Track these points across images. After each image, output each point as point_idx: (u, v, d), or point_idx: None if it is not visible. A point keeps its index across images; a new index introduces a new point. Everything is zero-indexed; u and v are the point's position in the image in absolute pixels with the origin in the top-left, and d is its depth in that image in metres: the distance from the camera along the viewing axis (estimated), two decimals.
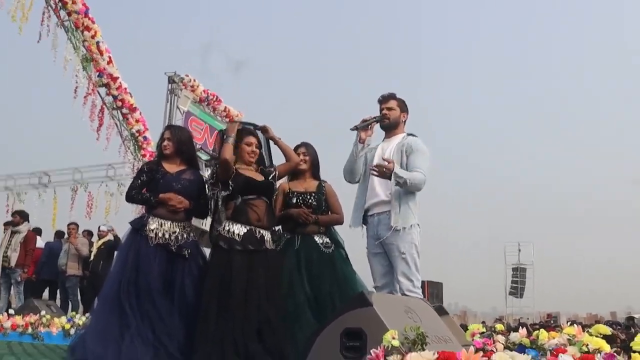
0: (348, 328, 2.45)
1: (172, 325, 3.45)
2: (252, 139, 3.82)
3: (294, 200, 4.07)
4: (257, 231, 3.64)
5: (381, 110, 4.10)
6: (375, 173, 3.83)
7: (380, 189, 3.97)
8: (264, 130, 3.94)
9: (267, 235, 3.69)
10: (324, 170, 4.29)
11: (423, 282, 4.39)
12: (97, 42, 8.45)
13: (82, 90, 8.50)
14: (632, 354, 2.31)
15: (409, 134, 4.10)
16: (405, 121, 4.17)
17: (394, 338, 2.25)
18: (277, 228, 3.94)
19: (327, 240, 4.07)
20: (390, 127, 4.09)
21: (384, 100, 4.13)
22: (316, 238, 4.04)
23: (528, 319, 21.94)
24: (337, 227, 4.23)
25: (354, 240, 4.16)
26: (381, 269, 3.93)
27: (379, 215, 3.94)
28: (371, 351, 2.27)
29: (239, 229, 3.60)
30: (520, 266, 25.66)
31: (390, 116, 4.08)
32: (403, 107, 4.16)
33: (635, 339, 2.50)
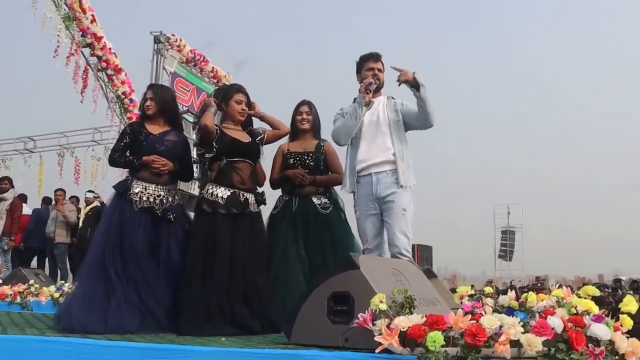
0: (335, 292, 2.39)
1: (158, 289, 3.41)
2: (242, 97, 3.72)
3: (291, 161, 4.03)
4: (240, 194, 3.58)
5: (371, 69, 3.95)
6: (402, 78, 3.73)
7: (376, 150, 3.87)
8: (251, 107, 3.84)
9: (251, 198, 3.63)
10: None
11: (413, 245, 4.35)
12: (80, 0, 8.20)
13: (64, 50, 8.29)
14: (620, 315, 2.27)
15: (388, 96, 4.02)
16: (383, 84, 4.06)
17: (381, 302, 2.19)
18: (261, 190, 3.86)
19: (326, 201, 4.02)
20: (378, 89, 3.97)
21: (376, 59, 3.99)
22: (314, 199, 3.99)
23: (519, 281, 22.19)
24: (337, 188, 4.16)
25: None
26: (374, 231, 3.85)
27: (377, 174, 3.83)
28: (359, 315, 2.22)
29: (222, 192, 3.53)
30: (510, 229, 25.92)
31: (380, 78, 3.97)
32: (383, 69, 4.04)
33: (624, 300, 2.47)
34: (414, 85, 3.73)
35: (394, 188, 3.78)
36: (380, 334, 2.11)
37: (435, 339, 2.02)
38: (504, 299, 3.71)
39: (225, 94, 3.75)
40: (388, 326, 2.11)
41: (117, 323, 3.14)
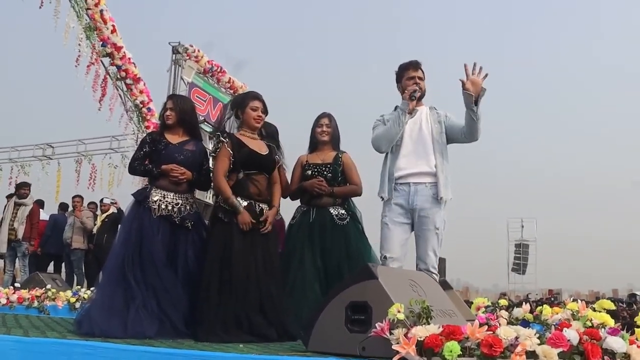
0: (353, 301, 2.42)
1: (176, 297, 3.46)
2: (258, 104, 3.72)
3: (309, 172, 4.06)
4: (256, 205, 3.62)
5: (411, 78, 3.91)
6: (470, 88, 3.60)
7: (419, 159, 3.85)
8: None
9: (266, 209, 3.66)
10: None
11: None
12: (101, 10, 8.34)
13: (85, 59, 8.42)
14: (636, 329, 2.29)
15: (430, 107, 3.98)
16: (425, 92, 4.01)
17: (399, 311, 2.22)
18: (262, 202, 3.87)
19: (343, 212, 4.04)
20: (420, 98, 3.92)
21: (416, 67, 3.95)
22: (331, 210, 4.02)
23: (536, 295, 22.00)
24: (355, 199, 4.20)
25: (374, 212, 4.09)
26: (401, 240, 3.81)
27: (417, 185, 3.81)
28: (376, 324, 2.25)
29: (239, 203, 3.57)
30: (523, 242, 25.68)
31: (422, 87, 3.92)
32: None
33: None
34: (476, 99, 3.64)
35: (431, 203, 3.76)
36: (397, 343, 2.14)
37: (452, 348, 2.04)
38: (518, 312, 3.72)
39: (242, 101, 3.77)
40: (405, 335, 2.14)
41: (136, 329, 3.19)
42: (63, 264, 9.80)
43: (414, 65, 3.95)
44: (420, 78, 3.93)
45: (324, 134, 4.14)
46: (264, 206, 3.65)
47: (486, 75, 3.65)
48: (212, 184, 3.77)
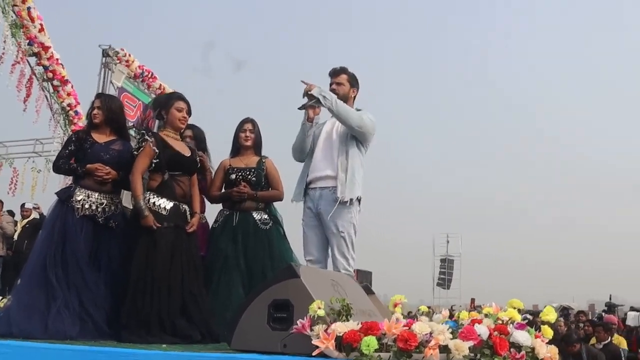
0: (275, 299, 2.46)
1: (99, 296, 3.41)
2: (183, 104, 3.73)
3: (233, 176, 4.06)
4: (181, 206, 3.63)
5: (330, 85, 4.07)
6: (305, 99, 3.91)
7: (325, 163, 3.98)
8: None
9: (188, 210, 3.68)
10: None
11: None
12: (28, 8, 8.04)
13: (10, 57, 8.11)
14: (542, 326, 2.43)
15: (357, 109, 4.08)
16: (355, 97, 4.16)
17: (319, 308, 2.28)
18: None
19: (265, 216, 4.08)
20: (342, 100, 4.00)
21: (334, 74, 4.11)
22: (254, 214, 4.05)
23: (460, 306, 22.56)
24: (277, 204, 4.25)
25: (294, 216, 4.18)
26: (316, 242, 3.95)
27: (322, 189, 3.95)
28: (297, 321, 2.31)
29: (165, 203, 3.55)
30: (449, 257, 26.37)
31: (339, 92, 4.03)
32: (353, 82, 4.15)
33: (544, 310, 2.65)
34: (315, 98, 3.88)
35: (332, 206, 3.85)
36: (317, 338, 2.20)
37: (369, 343, 2.13)
38: (437, 317, 3.85)
39: (166, 101, 3.76)
40: (325, 331, 2.21)
41: (57, 328, 3.12)
42: None
43: (332, 73, 4.13)
44: (338, 84, 4.08)
45: (248, 139, 4.17)
46: (187, 207, 3.67)
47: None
48: None
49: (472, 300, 22.42)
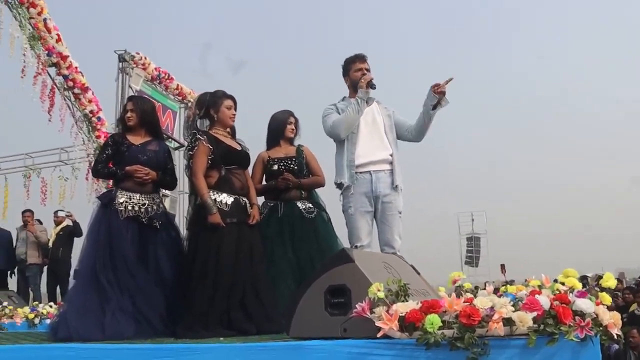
0: (332, 285, 2.47)
1: (151, 296, 3.46)
2: (231, 102, 3.78)
3: (276, 167, 4.08)
4: (241, 199, 3.67)
5: (360, 69, 4.05)
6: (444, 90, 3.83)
7: (375, 147, 3.99)
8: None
9: (248, 202, 3.72)
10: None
11: None
12: (45, 19, 8.12)
13: (31, 69, 8.20)
14: (600, 293, 2.42)
15: (377, 101, 4.11)
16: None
17: (379, 290, 2.29)
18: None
19: (310, 205, 4.10)
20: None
21: (362, 60, 4.09)
22: (299, 204, 4.07)
23: (492, 282, 22.46)
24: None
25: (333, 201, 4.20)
26: (367, 228, 3.94)
27: (377, 172, 3.95)
28: (357, 305, 2.32)
29: (225, 199, 3.58)
30: (474, 235, 26.24)
31: (371, 76, 4.04)
32: None
33: (604, 276, 2.63)
34: (438, 104, 3.88)
35: (391, 189, 3.92)
36: (380, 320, 2.21)
37: (432, 321, 2.13)
38: (483, 293, 3.84)
39: (213, 100, 3.78)
40: (387, 312, 2.21)
41: (114, 330, 3.18)
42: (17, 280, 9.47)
43: (361, 57, 4.10)
44: (367, 70, 4.07)
45: (293, 131, 4.22)
46: (247, 201, 3.71)
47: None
48: (189, 183, 3.77)
49: (502, 265, 22.33)
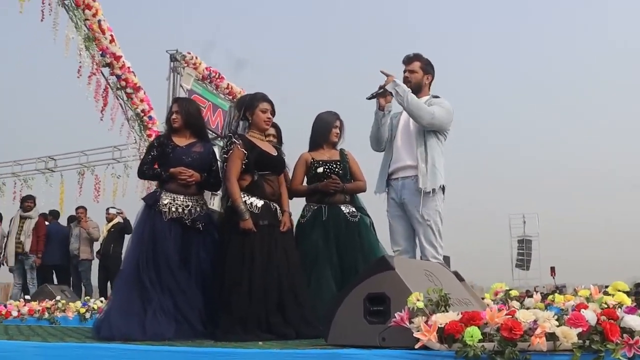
0: (371, 293, 2.44)
1: (192, 297, 3.49)
2: (267, 105, 3.77)
3: (321, 170, 4.06)
4: (271, 204, 3.66)
5: (404, 72, 4.04)
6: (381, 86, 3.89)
7: (405, 153, 3.97)
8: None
9: (279, 209, 3.72)
10: None
11: None
12: (99, 21, 8.37)
13: (86, 70, 8.46)
14: None
15: (433, 96, 4.05)
16: (430, 83, 4.10)
17: (418, 300, 2.25)
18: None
19: (353, 209, 4.09)
20: (413, 91, 3.95)
21: (407, 62, 4.06)
22: (343, 208, 4.05)
23: (543, 287, 21.99)
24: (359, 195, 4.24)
25: (377, 207, 4.20)
26: (403, 232, 3.94)
27: (404, 179, 3.94)
28: (396, 314, 2.28)
29: (256, 201, 3.60)
30: (526, 238, 25.73)
31: (412, 80, 4.01)
32: (427, 68, 4.09)
33: None
34: (390, 93, 3.87)
35: (417, 195, 3.84)
36: (418, 331, 2.16)
37: (472, 333, 2.07)
38: (529, 302, 3.74)
39: (250, 102, 3.79)
40: (426, 323, 2.17)
41: (154, 331, 3.22)
42: (53, 274, 9.75)
43: (405, 60, 4.07)
44: (411, 71, 4.03)
45: (339, 135, 4.20)
46: (277, 206, 3.72)
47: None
48: (222, 185, 3.80)
49: (552, 268, 21.79)
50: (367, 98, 3.99)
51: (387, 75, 3.89)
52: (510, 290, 3.99)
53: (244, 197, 3.58)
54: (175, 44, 9.58)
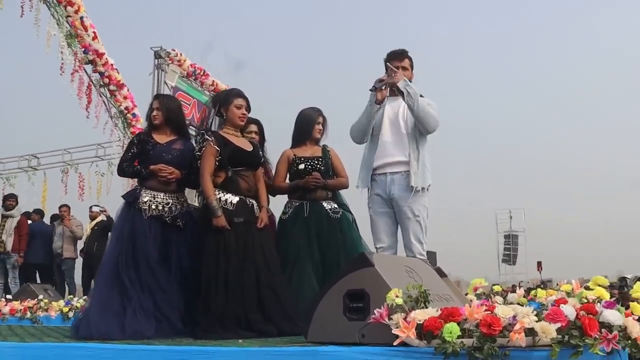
0: (350, 289, 2.42)
1: (172, 295, 3.47)
2: (242, 101, 3.72)
3: (302, 166, 4.04)
4: (247, 200, 3.63)
5: (396, 68, 3.93)
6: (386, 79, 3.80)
7: (395, 148, 3.91)
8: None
9: (255, 204, 3.68)
10: None
11: None
12: (81, 17, 8.26)
13: (68, 67, 8.36)
14: (631, 303, 2.31)
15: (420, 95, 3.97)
16: (411, 80, 4.04)
17: (397, 296, 2.23)
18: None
19: (335, 205, 4.08)
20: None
21: (400, 57, 3.99)
22: (324, 204, 4.04)
23: (528, 282, 22.12)
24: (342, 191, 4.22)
25: (357, 204, 4.16)
26: (386, 229, 3.89)
27: (393, 174, 3.87)
28: (375, 311, 2.26)
29: (231, 198, 3.56)
30: (512, 233, 25.87)
31: (405, 75, 3.92)
32: (413, 65, 4.06)
33: (634, 286, 2.51)
34: (400, 91, 3.78)
35: (407, 191, 3.80)
36: (397, 327, 2.15)
37: (451, 329, 2.06)
38: (513, 297, 3.74)
39: (225, 98, 3.75)
40: (405, 319, 2.15)
41: (134, 329, 3.19)
42: (36, 273, 9.67)
43: (398, 55, 3.99)
44: (404, 68, 3.95)
45: (321, 131, 4.18)
46: (253, 201, 3.67)
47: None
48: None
49: (539, 263, 21.94)
50: (373, 87, 3.87)
51: (394, 72, 3.82)
52: (494, 285, 4.01)
53: (218, 194, 3.54)
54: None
